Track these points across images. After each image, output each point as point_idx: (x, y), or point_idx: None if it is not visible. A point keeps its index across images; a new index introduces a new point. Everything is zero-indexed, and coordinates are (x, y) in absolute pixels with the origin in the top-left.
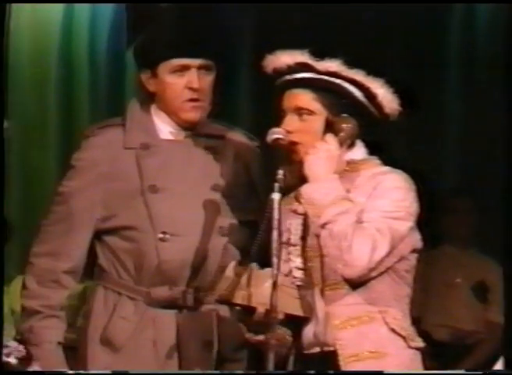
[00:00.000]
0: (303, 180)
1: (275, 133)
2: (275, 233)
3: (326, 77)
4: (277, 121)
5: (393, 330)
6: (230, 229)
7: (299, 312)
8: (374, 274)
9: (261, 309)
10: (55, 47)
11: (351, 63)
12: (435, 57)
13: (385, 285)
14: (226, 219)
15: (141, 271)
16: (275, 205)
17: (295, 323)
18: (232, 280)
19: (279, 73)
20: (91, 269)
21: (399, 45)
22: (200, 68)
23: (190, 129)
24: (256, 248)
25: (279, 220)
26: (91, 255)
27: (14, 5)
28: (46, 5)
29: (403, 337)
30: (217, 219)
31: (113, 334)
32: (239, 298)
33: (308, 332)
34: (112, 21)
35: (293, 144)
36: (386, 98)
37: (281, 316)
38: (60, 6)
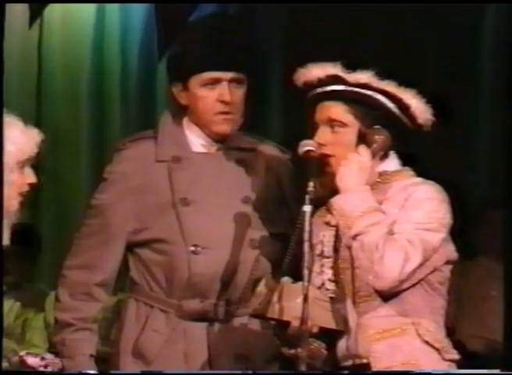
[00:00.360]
0: (335, 192)
1: (307, 146)
2: (306, 246)
3: (357, 89)
4: (309, 134)
5: (427, 342)
6: (261, 241)
7: (332, 326)
8: (405, 286)
9: (294, 323)
10: (86, 60)
11: (382, 74)
12: (469, 67)
13: (418, 297)
14: (257, 232)
15: (172, 284)
16: (307, 218)
17: (329, 337)
18: (266, 295)
19: (310, 86)
20: (124, 282)
21: (431, 56)
22: (231, 81)
23: (222, 141)
24: (287, 261)
25: (310, 232)
26: (123, 267)
27: (46, 23)
28: (77, 18)
29: (437, 350)
30: (248, 232)
31: (145, 347)
32: (273, 313)
33: (342, 345)
34: (143, 33)
35: (326, 156)
36: (419, 108)
37: (315, 330)
38: (91, 20)
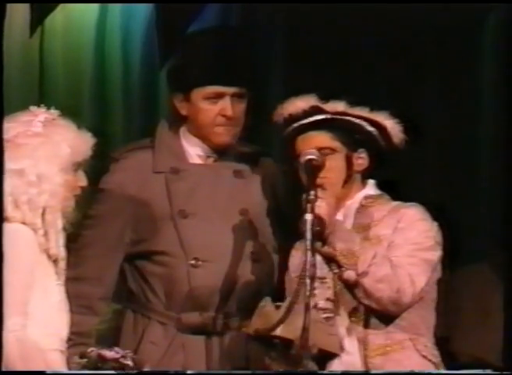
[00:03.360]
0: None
1: (309, 154)
2: (308, 255)
3: (340, 117)
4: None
5: (424, 357)
6: (261, 254)
7: (331, 349)
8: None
9: (297, 342)
10: (88, 66)
11: (354, 103)
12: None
13: (415, 314)
14: (257, 245)
15: (172, 296)
16: (308, 226)
17: (324, 357)
18: (268, 313)
19: (296, 117)
20: (119, 293)
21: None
22: (233, 95)
23: (220, 152)
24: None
25: (312, 241)
26: (120, 278)
27: (47, 31)
28: (78, 25)
29: (434, 363)
30: (247, 245)
31: (143, 359)
32: (277, 331)
33: (344, 360)
34: (145, 39)
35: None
36: (394, 128)
37: (314, 351)
38: (92, 27)
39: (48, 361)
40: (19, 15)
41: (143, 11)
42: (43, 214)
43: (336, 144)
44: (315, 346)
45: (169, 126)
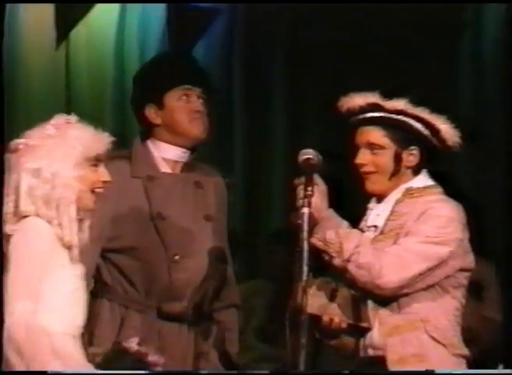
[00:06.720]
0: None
1: (306, 154)
2: (305, 244)
3: (394, 115)
4: (349, 154)
5: (433, 338)
6: (225, 253)
7: (359, 322)
8: (408, 290)
9: (325, 318)
10: (109, 76)
11: (417, 102)
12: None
13: (430, 298)
14: (223, 244)
15: (151, 287)
16: (305, 219)
17: (356, 332)
18: (318, 295)
19: (353, 112)
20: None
21: (462, 84)
22: (199, 95)
23: (192, 149)
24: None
25: (308, 232)
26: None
27: (72, 43)
28: (100, 37)
29: (444, 345)
30: (215, 243)
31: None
32: (312, 309)
33: (363, 339)
34: (161, 49)
35: (367, 173)
36: (449, 132)
37: (344, 325)
38: (112, 39)
39: (55, 345)
40: (44, 29)
41: (158, 26)
42: (57, 206)
43: (386, 142)
44: (344, 320)
45: (141, 139)
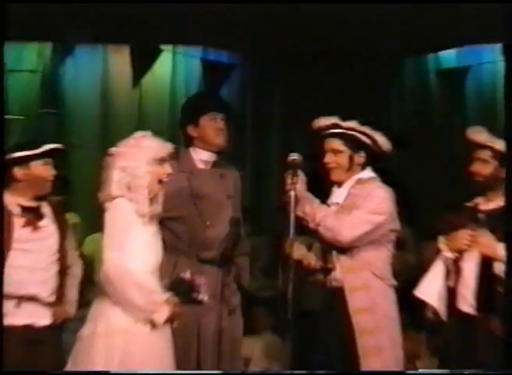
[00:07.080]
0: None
1: (293, 156)
2: (292, 215)
3: (349, 131)
4: (320, 156)
5: (375, 274)
6: (239, 221)
7: (327, 265)
8: (360, 243)
9: (305, 262)
10: (166, 110)
11: (363, 123)
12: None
13: (372, 248)
14: (238, 214)
15: (192, 242)
16: (292, 199)
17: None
18: (291, 246)
19: (322, 129)
20: None
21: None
22: (222, 118)
23: (219, 153)
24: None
25: (294, 207)
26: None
27: (144, 87)
28: (163, 84)
29: (381, 279)
30: (233, 214)
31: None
32: (296, 256)
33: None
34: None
35: (331, 168)
36: (384, 142)
37: (318, 266)
38: (168, 83)
39: (136, 279)
40: (122, 70)
41: (197, 72)
42: (136, 190)
43: (343, 148)
44: (317, 264)
45: (185, 147)
